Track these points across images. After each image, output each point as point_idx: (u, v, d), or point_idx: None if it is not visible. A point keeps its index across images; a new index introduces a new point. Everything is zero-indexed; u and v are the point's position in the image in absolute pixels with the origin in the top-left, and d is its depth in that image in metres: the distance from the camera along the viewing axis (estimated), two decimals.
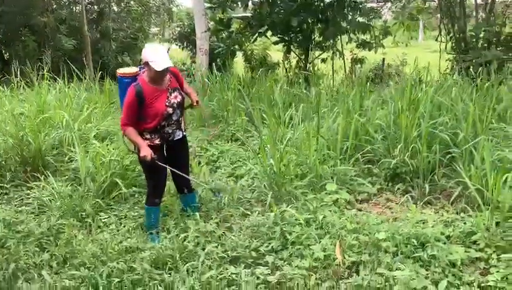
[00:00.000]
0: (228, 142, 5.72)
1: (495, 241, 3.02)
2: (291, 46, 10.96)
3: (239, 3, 10.23)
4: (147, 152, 3.22)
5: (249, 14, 10.70)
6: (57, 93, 6.19)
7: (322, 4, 10.13)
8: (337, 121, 4.52)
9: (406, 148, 4.29)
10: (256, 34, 10.57)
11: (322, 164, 4.18)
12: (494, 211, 3.14)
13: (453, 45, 9.65)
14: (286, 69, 11.50)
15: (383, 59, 10.90)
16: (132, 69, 3.46)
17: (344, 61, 11.02)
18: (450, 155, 4.16)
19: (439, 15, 10.09)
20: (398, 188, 4.23)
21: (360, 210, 3.87)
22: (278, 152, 4.06)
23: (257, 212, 3.62)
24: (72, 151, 4.81)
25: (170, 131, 3.44)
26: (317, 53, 11.06)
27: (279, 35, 10.64)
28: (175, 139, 3.50)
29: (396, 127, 4.53)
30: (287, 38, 10.73)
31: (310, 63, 11.09)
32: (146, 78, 3.27)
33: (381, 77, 10.74)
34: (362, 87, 5.24)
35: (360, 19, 9.85)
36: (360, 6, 9.88)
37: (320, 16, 10.23)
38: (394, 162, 4.21)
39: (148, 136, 3.38)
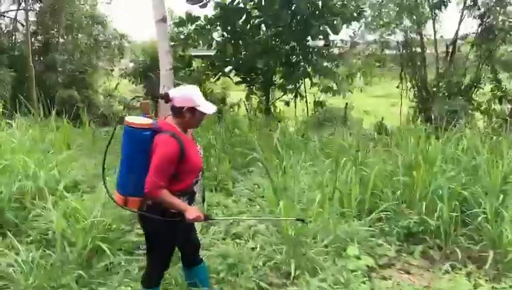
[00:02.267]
0: (212, 191, 5.14)
1: None
2: (253, 87, 10.78)
3: (201, 42, 9.96)
4: (196, 213, 2.56)
5: (211, 53, 10.40)
6: (12, 132, 5.31)
7: (286, 47, 10.09)
8: (350, 173, 4.16)
9: (422, 205, 4.00)
10: (220, 74, 10.31)
11: (338, 222, 3.76)
12: None
13: (416, 93, 9.90)
14: (247, 110, 11.22)
15: (346, 104, 10.93)
16: (144, 120, 2.59)
17: (307, 105, 10.98)
18: (469, 213, 3.92)
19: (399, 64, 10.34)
20: (416, 250, 3.89)
21: (388, 279, 3.47)
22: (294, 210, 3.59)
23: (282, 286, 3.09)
24: (35, 205, 4.02)
25: (195, 189, 2.82)
26: (277, 94, 10.94)
27: (242, 76, 10.43)
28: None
29: (407, 181, 4.25)
30: (249, 79, 10.55)
31: (270, 104, 10.93)
32: (176, 125, 2.64)
33: (345, 121, 10.74)
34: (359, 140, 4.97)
35: (328, 64, 9.83)
36: (325, 52, 9.93)
37: (283, 59, 10.16)
38: (414, 220, 3.89)
39: None
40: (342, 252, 3.60)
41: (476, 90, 9.33)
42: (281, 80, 10.42)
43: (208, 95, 12.39)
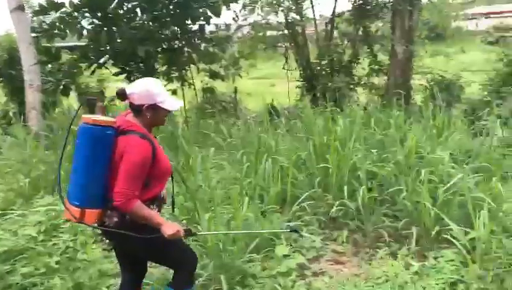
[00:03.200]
0: None
1: None
2: (134, 77, 9.95)
3: (68, 31, 8.80)
4: (175, 227, 2.22)
5: (82, 43, 9.30)
6: None
7: (167, 32, 9.47)
8: (266, 165, 3.85)
9: (339, 189, 3.89)
10: (95, 65, 9.27)
11: (262, 221, 3.45)
12: (484, 256, 2.88)
13: (301, 72, 10.02)
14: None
15: (235, 88, 10.69)
16: (105, 117, 2.21)
17: (196, 92, 10.49)
18: (388, 191, 3.90)
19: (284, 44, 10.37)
20: (339, 235, 3.78)
21: (321, 274, 3.27)
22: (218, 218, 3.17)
23: None
24: None
25: (163, 195, 2.42)
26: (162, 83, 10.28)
27: (120, 66, 9.54)
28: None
29: (322, 165, 4.10)
30: (128, 68, 9.70)
31: None
32: (141, 125, 2.30)
33: (235, 108, 10.56)
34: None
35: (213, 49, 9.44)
36: (209, 35, 9.53)
37: (164, 45, 9.56)
38: (336, 207, 3.74)
39: None
40: (270, 253, 3.31)
41: (355, 65, 9.72)
42: (165, 68, 9.80)
43: (81, 90, 11.17)
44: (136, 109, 2.28)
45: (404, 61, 8.89)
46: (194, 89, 10.35)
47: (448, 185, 3.46)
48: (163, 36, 9.44)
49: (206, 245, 3.05)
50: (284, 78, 10.51)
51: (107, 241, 2.47)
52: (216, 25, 9.58)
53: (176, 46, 9.62)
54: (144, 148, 2.20)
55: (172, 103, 2.34)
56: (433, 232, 3.35)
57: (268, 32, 10.79)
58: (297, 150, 4.33)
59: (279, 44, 10.50)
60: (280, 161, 3.99)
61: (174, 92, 10.29)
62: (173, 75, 9.82)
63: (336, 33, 9.98)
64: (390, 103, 6.35)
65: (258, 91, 14.15)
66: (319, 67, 9.86)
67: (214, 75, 10.05)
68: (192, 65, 9.85)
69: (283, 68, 10.55)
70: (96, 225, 2.25)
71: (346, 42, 9.77)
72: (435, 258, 3.29)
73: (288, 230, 2.92)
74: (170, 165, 2.42)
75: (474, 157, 4.22)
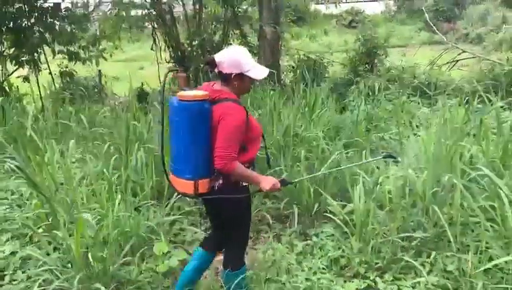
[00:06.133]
0: None
1: (371, 263, 2.84)
2: None
3: None
4: (272, 181, 2.38)
5: None
6: None
7: (11, 9, 8.25)
8: (138, 156, 3.46)
9: None
10: None
11: (138, 218, 3.09)
12: (362, 229, 2.94)
13: (171, 54, 9.61)
14: None
15: (99, 71, 9.81)
16: (198, 92, 2.28)
17: (52, 77, 9.34)
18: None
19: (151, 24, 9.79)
20: None
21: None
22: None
23: None
24: None
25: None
26: (11, 68, 8.97)
27: None
28: None
29: None
30: None
31: (4, 81, 8.88)
32: (232, 94, 2.39)
33: (99, 93, 9.73)
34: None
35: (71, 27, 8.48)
36: (64, 13, 8.54)
37: (9, 24, 8.35)
38: None
39: None
40: (150, 252, 2.99)
41: (226, 46, 9.62)
42: (12, 50, 8.54)
43: None
44: (225, 77, 2.34)
45: (272, 42, 9.05)
46: (50, 73, 9.22)
47: (328, 162, 3.51)
48: (7, 13, 8.20)
49: (70, 254, 2.60)
50: (153, 60, 9.96)
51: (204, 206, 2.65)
52: (72, 2, 8.60)
53: (24, 25, 8.45)
54: (239, 113, 2.30)
55: (258, 72, 2.39)
56: (314, 210, 3.37)
57: (133, 12, 10.09)
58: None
59: (146, 24, 9.86)
60: (154, 151, 3.64)
61: (25, 79, 9.07)
62: (23, 58, 8.61)
63: (205, 13, 9.73)
64: (262, 83, 6.38)
65: (125, 75, 13.16)
66: (189, 48, 9.55)
67: (72, 57, 9.05)
68: (46, 47, 8.75)
69: (151, 49, 9.97)
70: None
71: (215, 23, 9.59)
72: (316, 235, 3.32)
73: (382, 157, 3.06)
74: (261, 127, 2.51)
75: (344, 133, 4.39)
